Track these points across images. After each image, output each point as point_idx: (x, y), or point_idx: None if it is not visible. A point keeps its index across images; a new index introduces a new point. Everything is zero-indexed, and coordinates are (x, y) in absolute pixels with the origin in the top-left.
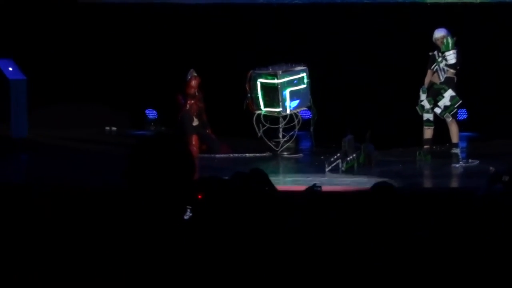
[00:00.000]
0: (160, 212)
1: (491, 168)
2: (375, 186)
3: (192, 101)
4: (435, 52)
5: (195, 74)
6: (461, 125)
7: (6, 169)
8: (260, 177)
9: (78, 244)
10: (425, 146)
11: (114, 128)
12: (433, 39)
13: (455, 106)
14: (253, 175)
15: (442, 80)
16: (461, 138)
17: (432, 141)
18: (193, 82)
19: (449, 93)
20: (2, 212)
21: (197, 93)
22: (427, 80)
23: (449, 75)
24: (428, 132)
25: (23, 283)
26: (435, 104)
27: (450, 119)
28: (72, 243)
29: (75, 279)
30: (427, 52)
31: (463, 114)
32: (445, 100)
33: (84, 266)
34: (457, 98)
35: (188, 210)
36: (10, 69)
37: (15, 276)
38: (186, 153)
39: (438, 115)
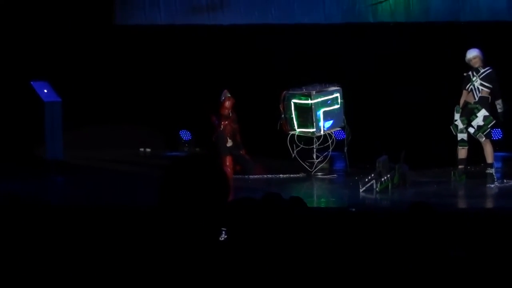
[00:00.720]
0: (193, 233)
1: None
2: (413, 206)
3: (226, 122)
4: (470, 73)
5: (229, 95)
6: (496, 145)
7: (42, 191)
8: (299, 204)
9: (113, 263)
10: (460, 166)
11: (148, 150)
12: (466, 59)
13: (489, 126)
14: (293, 202)
15: (476, 99)
16: (496, 158)
17: (466, 161)
18: (227, 103)
19: (482, 112)
20: (39, 232)
21: (231, 114)
22: (462, 101)
23: (483, 94)
24: (462, 152)
25: None
26: (469, 124)
27: (484, 139)
28: (107, 263)
29: None
30: (463, 72)
31: (498, 134)
32: (478, 120)
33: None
34: (491, 118)
35: (223, 232)
36: (45, 91)
37: None
38: (220, 174)
39: (472, 134)
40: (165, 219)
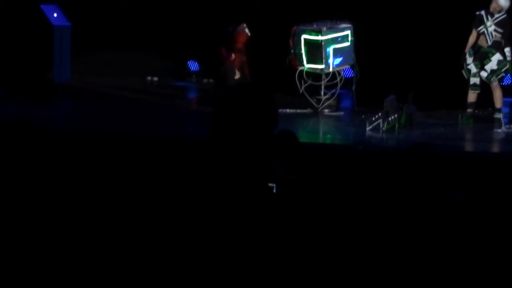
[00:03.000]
0: (241, 164)
1: None
2: (413, 146)
3: (236, 55)
4: (483, 12)
5: (247, 31)
6: (505, 91)
7: (48, 115)
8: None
9: (116, 192)
10: (468, 110)
11: (155, 78)
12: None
13: (502, 71)
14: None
15: (490, 43)
16: (504, 104)
17: (475, 105)
18: (242, 37)
19: (497, 57)
20: (45, 157)
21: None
22: (471, 40)
23: (496, 39)
24: (472, 96)
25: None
26: (482, 68)
27: (496, 83)
28: (109, 190)
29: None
30: (475, 10)
31: (507, 80)
32: (492, 64)
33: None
34: (505, 62)
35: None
36: (55, 15)
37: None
38: (270, 103)
39: (484, 79)
40: (217, 150)
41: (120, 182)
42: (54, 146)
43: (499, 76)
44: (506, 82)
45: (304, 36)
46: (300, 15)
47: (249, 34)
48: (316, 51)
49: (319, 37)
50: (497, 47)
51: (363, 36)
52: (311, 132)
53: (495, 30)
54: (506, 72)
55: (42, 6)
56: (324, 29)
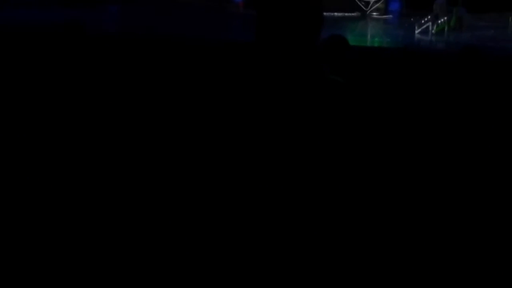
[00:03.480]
0: (289, 68)
1: None
2: (463, 49)
3: None
4: None
5: None
6: None
7: (96, 19)
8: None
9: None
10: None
11: None
12: None
13: None
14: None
15: None
16: None
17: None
18: None
19: None
20: (99, 62)
21: None
22: None
23: None
24: None
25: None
26: None
27: None
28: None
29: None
30: None
31: None
32: None
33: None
34: None
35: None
36: None
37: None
38: (315, 6)
39: None
40: (262, 54)
41: (165, 85)
42: (104, 48)
43: None
44: None
45: None
46: None
47: None
48: None
49: None
50: None
51: None
52: (360, 35)
53: None
54: None
55: None
56: None
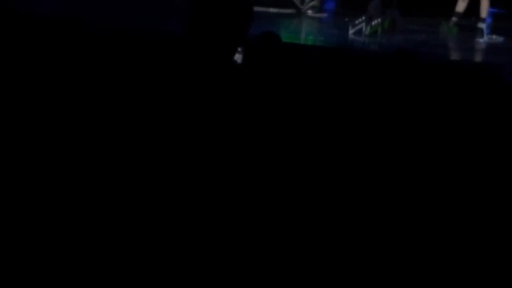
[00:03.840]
0: (215, 57)
1: None
2: (397, 52)
3: None
4: None
5: None
6: (492, 1)
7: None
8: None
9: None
10: (453, 19)
11: None
12: None
13: None
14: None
15: None
16: (488, 14)
17: (462, 15)
18: None
19: None
20: (28, 44)
21: None
22: None
23: None
24: (461, 5)
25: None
26: None
27: None
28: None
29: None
30: None
31: None
32: None
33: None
34: None
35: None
36: None
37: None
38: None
39: None
40: (189, 44)
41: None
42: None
43: None
44: None
45: None
46: None
47: None
48: None
49: None
50: None
51: None
52: (294, 32)
53: None
54: None
55: None
56: None
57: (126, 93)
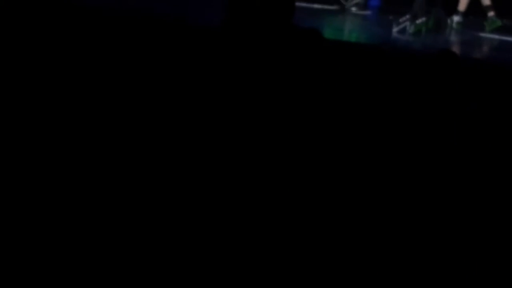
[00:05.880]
0: (252, 50)
1: None
2: (440, 53)
3: None
4: None
5: None
6: None
7: None
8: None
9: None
10: (490, 14)
11: None
12: None
13: None
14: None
15: None
16: None
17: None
18: None
19: None
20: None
21: None
22: None
23: None
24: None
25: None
26: None
27: None
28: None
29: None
30: None
31: None
32: None
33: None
34: None
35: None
36: None
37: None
38: None
39: None
40: (232, 37)
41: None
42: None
43: None
44: None
45: None
46: None
47: None
48: None
49: None
50: None
51: None
52: (337, 29)
53: None
54: None
55: None
56: None
57: (162, 84)
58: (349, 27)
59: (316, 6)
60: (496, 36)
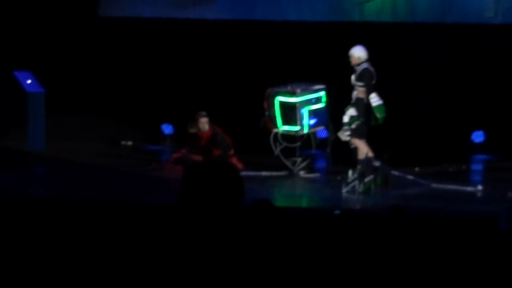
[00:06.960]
0: (207, 230)
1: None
2: (392, 211)
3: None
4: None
5: (203, 126)
6: (479, 148)
7: (23, 182)
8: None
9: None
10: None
11: (129, 143)
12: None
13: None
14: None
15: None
16: (476, 161)
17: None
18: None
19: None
20: (19, 225)
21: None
22: None
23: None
24: None
25: None
26: None
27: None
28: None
29: None
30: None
31: (480, 137)
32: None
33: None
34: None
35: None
36: (29, 81)
37: None
38: (236, 177)
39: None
40: (184, 218)
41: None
42: (26, 213)
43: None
44: (479, 139)
45: (278, 98)
46: (274, 77)
47: (206, 128)
48: (290, 113)
49: (294, 99)
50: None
51: (338, 97)
52: (287, 195)
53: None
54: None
55: (15, 72)
56: (299, 90)
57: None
58: (299, 192)
59: (264, 173)
60: (442, 186)
